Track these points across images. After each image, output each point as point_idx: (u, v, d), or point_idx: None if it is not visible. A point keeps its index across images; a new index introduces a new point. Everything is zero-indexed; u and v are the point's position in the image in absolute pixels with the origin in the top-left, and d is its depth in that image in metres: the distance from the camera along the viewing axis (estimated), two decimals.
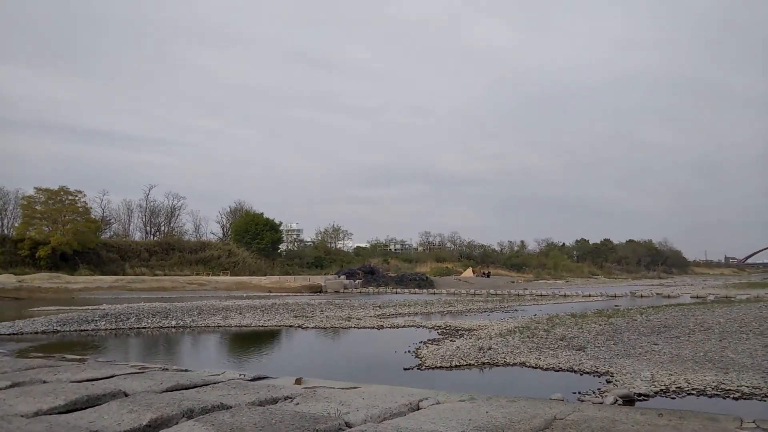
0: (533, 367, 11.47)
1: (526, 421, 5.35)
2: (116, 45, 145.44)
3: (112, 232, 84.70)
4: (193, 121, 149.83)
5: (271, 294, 47.40)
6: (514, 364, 11.84)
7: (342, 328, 19.74)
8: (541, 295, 43.47)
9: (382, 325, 19.91)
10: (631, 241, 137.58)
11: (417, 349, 14.23)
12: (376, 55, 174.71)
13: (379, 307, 28.49)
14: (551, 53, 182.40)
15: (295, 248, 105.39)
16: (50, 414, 5.26)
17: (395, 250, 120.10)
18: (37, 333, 17.50)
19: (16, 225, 70.06)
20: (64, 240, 64.79)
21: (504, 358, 12.43)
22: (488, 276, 77.58)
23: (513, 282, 72.62)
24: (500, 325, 18.56)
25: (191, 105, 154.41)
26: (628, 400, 8.00)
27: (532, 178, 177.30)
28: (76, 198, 70.62)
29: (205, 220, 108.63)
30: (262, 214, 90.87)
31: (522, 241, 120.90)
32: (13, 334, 17.16)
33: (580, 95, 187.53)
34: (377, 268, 71.64)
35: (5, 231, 72.70)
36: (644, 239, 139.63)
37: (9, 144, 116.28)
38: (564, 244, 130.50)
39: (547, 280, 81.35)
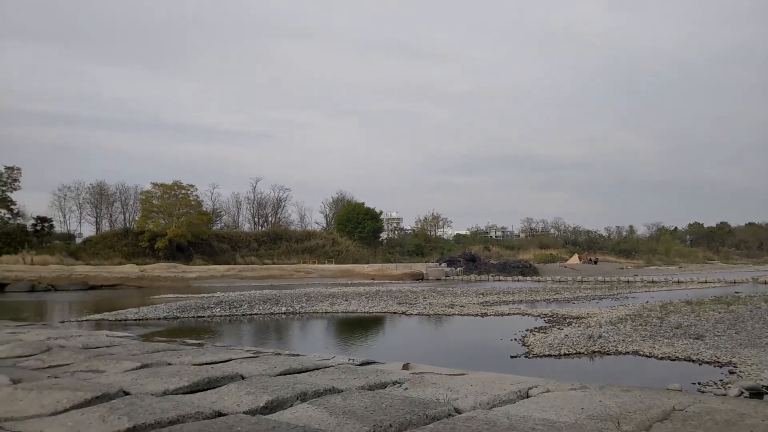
0: (647, 356, 11.02)
1: (642, 411, 5.14)
2: (213, 43, 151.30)
3: (222, 224, 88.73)
4: (292, 114, 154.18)
5: (374, 281, 48.11)
6: (627, 353, 11.42)
7: (445, 315, 19.76)
8: (652, 282, 41.59)
9: (486, 313, 19.75)
10: (751, 224, 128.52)
11: (523, 336, 14.02)
12: (467, 41, 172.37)
13: (482, 294, 28.27)
14: (648, 32, 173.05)
15: (396, 236, 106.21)
16: (176, 394, 5.60)
17: (496, 237, 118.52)
18: (159, 319, 18.68)
19: (137, 218, 74.76)
20: (179, 232, 68.51)
21: (615, 346, 12.01)
22: (595, 262, 75.08)
23: (622, 268, 69.88)
24: (610, 313, 17.94)
25: (289, 99, 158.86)
26: (756, 393, 7.52)
27: (636, 161, 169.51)
28: (189, 192, 74.41)
29: (309, 210, 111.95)
30: (362, 203, 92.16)
31: (630, 226, 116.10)
32: (139, 319, 18.41)
33: (682, 74, 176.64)
34: (478, 256, 70.98)
35: (127, 224, 77.77)
36: (766, 222, 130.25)
37: (127, 142, 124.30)
38: (676, 228, 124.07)
39: (659, 266, 77.67)
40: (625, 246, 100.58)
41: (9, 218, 67.17)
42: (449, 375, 6.90)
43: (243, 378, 6.30)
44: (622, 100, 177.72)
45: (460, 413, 4.98)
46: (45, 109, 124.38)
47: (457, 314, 19.71)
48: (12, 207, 67.86)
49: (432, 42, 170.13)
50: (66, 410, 4.87)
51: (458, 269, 61.56)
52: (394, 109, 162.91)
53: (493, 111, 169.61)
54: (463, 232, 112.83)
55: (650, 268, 73.98)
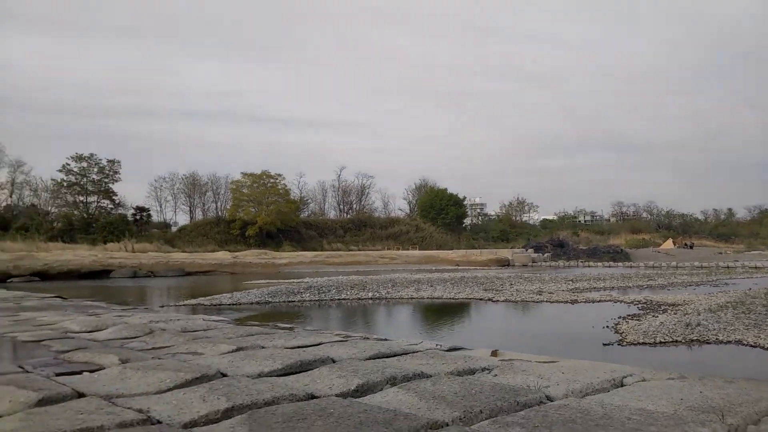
0: (752, 346, 10.44)
1: (750, 404, 4.88)
2: (300, 31, 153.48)
3: (309, 212, 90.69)
4: (375, 101, 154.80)
5: (459, 267, 47.91)
6: (728, 342, 10.87)
7: (533, 302, 19.44)
8: (755, 268, 39.30)
9: (575, 300, 19.29)
10: None
11: (616, 324, 13.60)
12: (558, 19, 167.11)
13: (572, 281, 27.60)
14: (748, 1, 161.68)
15: (480, 222, 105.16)
16: (270, 376, 5.79)
17: (585, 221, 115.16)
18: (251, 303, 19.35)
19: (228, 207, 77.61)
20: (269, 220, 70.58)
21: (716, 335, 11.45)
22: (691, 247, 71.71)
23: (720, 253, 66.39)
24: (709, 300, 17.11)
25: (372, 85, 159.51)
26: None
27: (735, 141, 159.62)
28: (277, 181, 76.44)
29: (392, 197, 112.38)
30: (445, 189, 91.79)
31: (729, 209, 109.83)
32: (233, 304, 19.14)
33: None
34: (566, 241, 69.28)
35: (219, 213, 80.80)
36: None
37: (218, 134, 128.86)
38: None
39: (762, 251, 73.21)
40: (723, 230, 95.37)
41: (111, 208, 71.25)
42: (539, 362, 6.79)
43: (334, 361, 6.44)
44: (722, 76, 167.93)
45: (551, 401, 4.90)
46: (140, 104, 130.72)
47: (546, 301, 19.35)
48: (114, 198, 71.93)
49: (521, 21, 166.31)
50: (170, 389, 5.14)
51: (545, 255, 60.33)
52: (480, 91, 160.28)
53: (585, 90, 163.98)
54: (550, 217, 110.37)
55: (752, 253, 69.88)
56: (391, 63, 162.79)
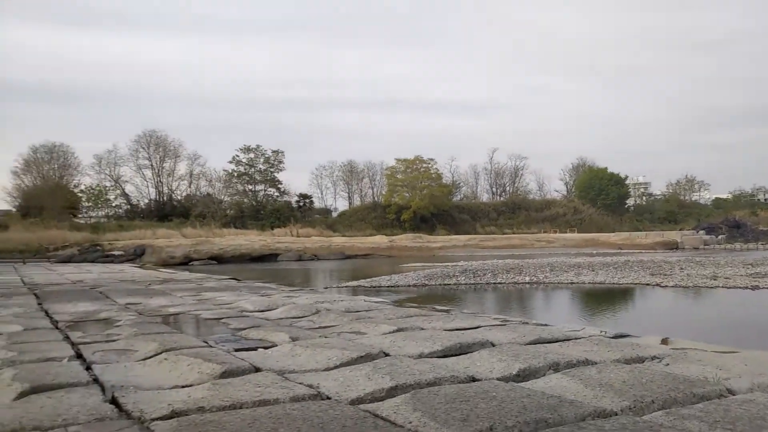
0: None
1: None
2: (438, 11, 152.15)
3: (462, 195, 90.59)
4: (526, 80, 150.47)
5: (621, 251, 45.52)
6: None
7: (706, 287, 18.02)
8: None
9: (757, 285, 17.61)
10: None
11: None
12: None
13: (751, 265, 25.21)
14: None
15: (644, 203, 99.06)
16: (430, 357, 5.89)
17: (765, 200, 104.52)
18: (408, 286, 19.74)
19: (383, 193, 79.65)
20: (422, 204, 71.49)
21: None
22: None
23: None
24: None
25: (523, 63, 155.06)
26: None
27: None
28: (429, 165, 77.13)
29: (548, 178, 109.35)
30: (605, 168, 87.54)
31: None
32: (391, 286, 19.65)
33: None
34: (744, 221, 63.35)
35: (375, 198, 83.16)
36: None
37: (372, 122, 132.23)
38: None
39: None
40: None
41: (277, 196, 75.85)
42: (716, 352, 6.29)
43: (493, 345, 6.41)
44: None
45: (733, 395, 4.53)
46: (300, 96, 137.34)
47: (721, 286, 17.85)
48: (279, 186, 76.49)
49: None
50: (336, 367, 5.39)
51: (719, 237, 55.62)
52: (641, 64, 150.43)
53: (758, 57, 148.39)
54: (724, 196, 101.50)
55: None
56: (541, 40, 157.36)
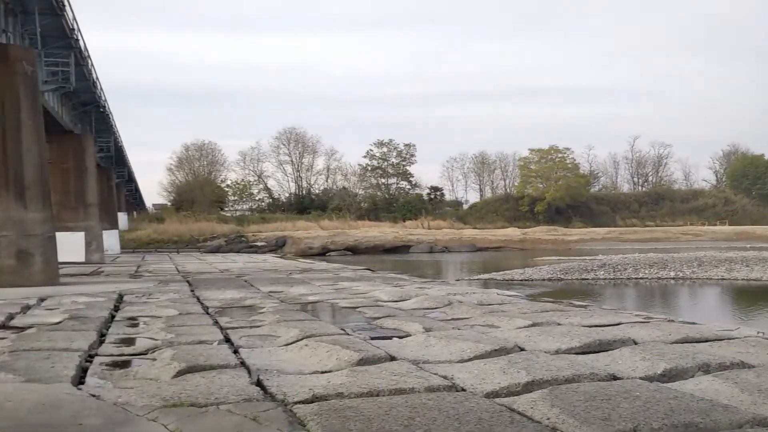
0: None
1: None
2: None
3: (600, 186, 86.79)
4: (671, 62, 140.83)
5: None
6: None
7: None
8: None
9: None
10: None
11: None
12: None
13: None
14: None
15: None
16: (568, 353, 5.71)
17: None
18: (543, 280, 19.28)
19: (516, 184, 78.11)
20: (557, 195, 69.34)
21: None
22: None
23: None
24: None
25: (668, 46, 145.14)
26: None
27: None
28: (565, 155, 74.63)
29: (694, 167, 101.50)
30: (762, 155, 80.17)
31: None
32: (524, 280, 19.30)
33: None
34: None
35: (507, 190, 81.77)
36: None
37: (503, 112, 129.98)
38: None
39: None
40: None
41: (409, 189, 76.65)
42: None
43: (635, 343, 6.10)
44: None
45: None
46: (431, 89, 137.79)
47: None
48: (411, 179, 77.26)
49: None
50: (470, 359, 5.38)
51: None
52: None
53: None
54: None
55: None
56: (688, 20, 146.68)
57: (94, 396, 4.20)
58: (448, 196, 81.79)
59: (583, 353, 5.73)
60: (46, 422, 3.58)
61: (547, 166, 72.98)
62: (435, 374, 4.75)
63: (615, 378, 4.65)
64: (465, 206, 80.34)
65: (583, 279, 19.43)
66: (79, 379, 4.93)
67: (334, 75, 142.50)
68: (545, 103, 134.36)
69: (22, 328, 7.65)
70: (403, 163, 76.76)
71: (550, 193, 69.49)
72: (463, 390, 4.32)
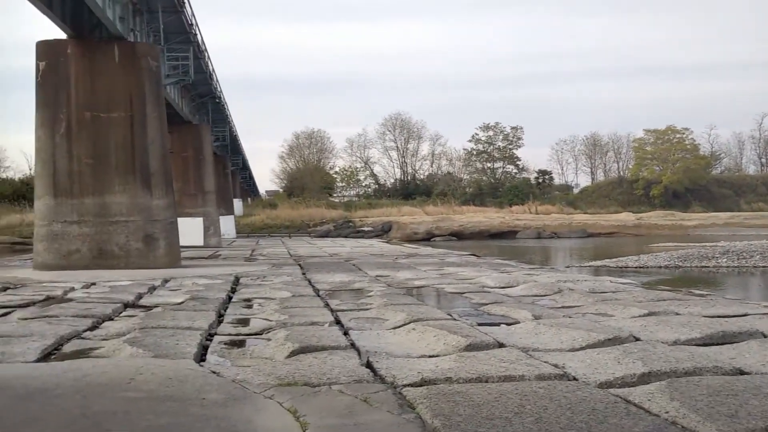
0: None
1: None
2: None
3: (722, 168, 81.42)
4: None
5: None
6: None
7: None
8: None
9: None
10: None
11: None
12: None
13: None
14: None
15: None
16: (687, 344, 5.41)
17: None
18: (659, 267, 18.36)
19: (630, 167, 74.70)
20: (675, 178, 65.78)
21: None
22: None
23: None
24: None
25: None
26: None
27: None
28: (684, 136, 70.60)
29: None
30: None
31: None
32: (639, 267, 18.45)
33: None
34: None
35: (621, 173, 78.38)
36: None
37: (616, 91, 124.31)
38: None
39: None
40: None
41: (516, 173, 75.26)
42: None
43: (765, 336, 5.70)
44: None
45: None
46: (539, 69, 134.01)
47: None
48: (517, 163, 75.82)
49: None
50: (582, 348, 5.22)
51: None
52: None
53: None
54: None
55: None
56: None
57: (214, 373, 4.45)
58: (557, 180, 79.55)
59: (705, 345, 5.42)
60: (172, 395, 3.82)
61: (663, 147, 69.25)
62: (545, 362, 4.66)
63: (742, 372, 4.36)
64: (575, 190, 77.85)
65: (703, 267, 18.32)
66: (201, 357, 5.23)
67: (439, 59, 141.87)
68: (661, 82, 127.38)
69: (150, 307, 8.21)
70: (510, 146, 75.38)
71: (667, 176, 65.95)
72: (575, 379, 4.20)
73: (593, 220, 48.60)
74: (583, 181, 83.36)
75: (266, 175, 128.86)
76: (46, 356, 5.23)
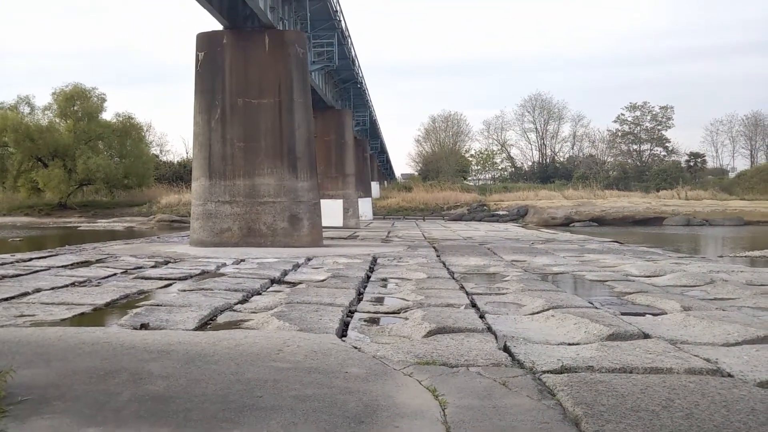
0: None
1: None
2: None
3: None
4: None
5: None
6: None
7: None
8: None
9: None
10: None
11: None
12: None
13: None
14: None
15: None
16: None
17: None
18: None
19: None
20: None
21: None
22: None
23: None
24: None
25: None
26: None
27: None
28: None
29: None
30: None
31: None
32: None
33: None
34: None
35: None
36: None
37: None
38: None
39: None
40: None
41: (664, 156, 70.79)
42: None
43: None
44: None
45: None
46: (692, 44, 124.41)
47: None
48: (666, 145, 71.23)
49: None
50: (738, 343, 4.86)
51: None
52: None
53: None
54: None
55: None
56: None
57: (356, 348, 4.63)
58: (710, 164, 73.82)
59: None
60: (317, 368, 4.03)
61: None
62: (696, 356, 4.40)
63: None
64: (731, 175, 71.83)
65: None
66: (342, 332, 5.46)
67: (585, 35, 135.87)
68: None
69: (294, 284, 8.66)
70: (659, 127, 70.91)
71: None
72: (730, 376, 3.93)
73: (751, 207, 44.64)
74: (741, 164, 76.64)
75: (402, 159, 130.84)
76: (202, 325, 5.69)
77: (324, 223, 16.98)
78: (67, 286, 8.00)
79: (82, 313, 6.26)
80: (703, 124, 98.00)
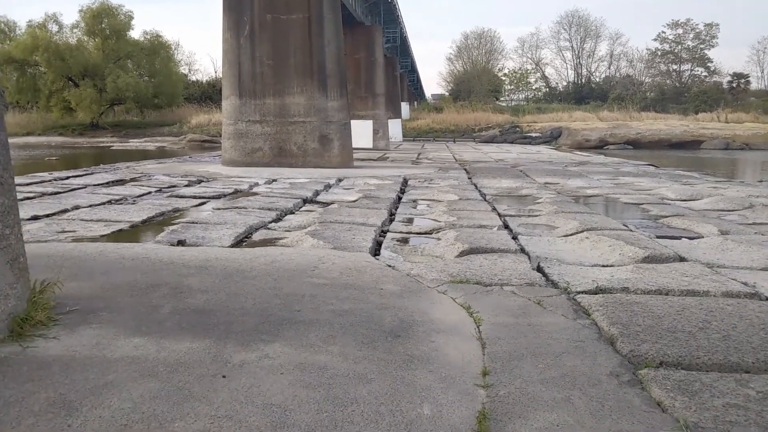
0: None
1: None
2: None
3: None
4: None
5: None
6: None
7: None
8: None
9: None
10: None
11: None
12: None
13: None
14: None
15: None
16: None
17: None
18: None
19: None
20: None
21: None
22: None
23: None
24: None
25: None
26: None
27: None
28: None
29: None
30: None
31: None
32: None
33: None
34: None
35: None
36: None
37: None
38: None
39: None
40: None
41: (705, 76, 68.24)
42: None
43: None
44: None
45: None
46: None
47: None
48: (708, 65, 68.51)
49: None
50: None
51: None
52: None
53: None
54: None
55: None
56: None
57: (389, 266, 4.67)
58: (754, 85, 70.99)
59: None
60: (353, 284, 4.08)
61: None
62: (733, 280, 4.35)
63: None
64: None
65: None
66: (375, 251, 5.50)
67: None
68: None
69: (326, 204, 8.70)
70: (701, 46, 68.04)
71: None
72: None
73: None
74: None
75: (433, 78, 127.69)
76: (238, 243, 5.78)
77: (353, 145, 16.89)
78: (104, 203, 8.16)
79: (120, 230, 6.39)
80: (749, 42, 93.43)
